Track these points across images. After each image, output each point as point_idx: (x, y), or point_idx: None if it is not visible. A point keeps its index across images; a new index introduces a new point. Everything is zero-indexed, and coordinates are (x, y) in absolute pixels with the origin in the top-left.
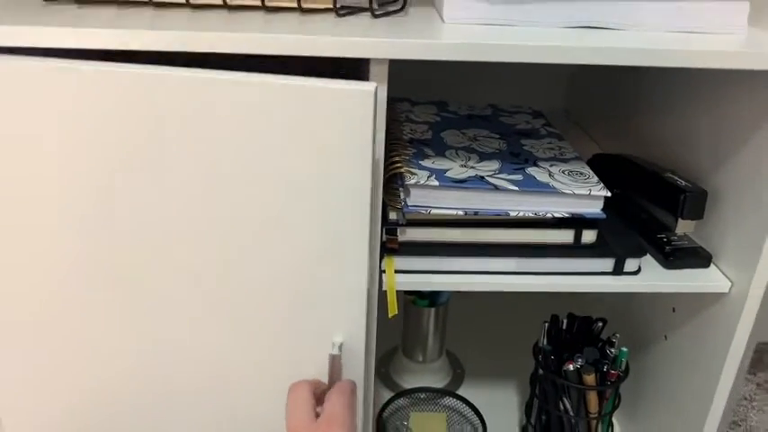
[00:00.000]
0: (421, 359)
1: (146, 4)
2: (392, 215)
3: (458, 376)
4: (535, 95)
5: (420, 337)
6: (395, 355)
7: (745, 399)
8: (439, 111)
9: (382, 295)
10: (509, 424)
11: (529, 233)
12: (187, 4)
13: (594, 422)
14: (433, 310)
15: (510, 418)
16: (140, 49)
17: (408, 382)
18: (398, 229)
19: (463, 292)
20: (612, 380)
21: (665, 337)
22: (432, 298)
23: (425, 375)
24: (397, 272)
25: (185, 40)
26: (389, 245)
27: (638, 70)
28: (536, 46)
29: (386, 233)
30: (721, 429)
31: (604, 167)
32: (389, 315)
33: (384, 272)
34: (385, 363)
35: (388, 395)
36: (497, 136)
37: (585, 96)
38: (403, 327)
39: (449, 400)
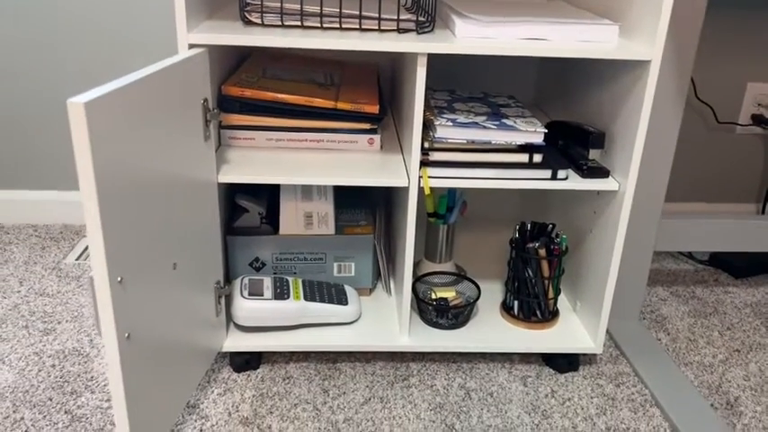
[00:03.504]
0: (438, 261)
1: (288, 26)
2: (425, 144)
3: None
4: (512, 89)
5: (437, 245)
6: (420, 261)
7: (661, 300)
8: (450, 94)
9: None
10: (495, 292)
11: (503, 156)
12: (320, 27)
13: (547, 283)
14: (445, 226)
15: (496, 289)
16: (290, 46)
17: None
18: (430, 152)
19: (466, 218)
20: (557, 254)
21: (591, 230)
22: (445, 219)
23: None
24: (429, 177)
25: (322, 42)
26: (424, 161)
27: (572, 70)
28: (506, 47)
29: (422, 154)
30: (633, 313)
31: (554, 129)
32: (425, 194)
33: (422, 177)
34: (414, 266)
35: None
36: (485, 107)
37: (544, 88)
38: (425, 240)
39: (458, 285)
